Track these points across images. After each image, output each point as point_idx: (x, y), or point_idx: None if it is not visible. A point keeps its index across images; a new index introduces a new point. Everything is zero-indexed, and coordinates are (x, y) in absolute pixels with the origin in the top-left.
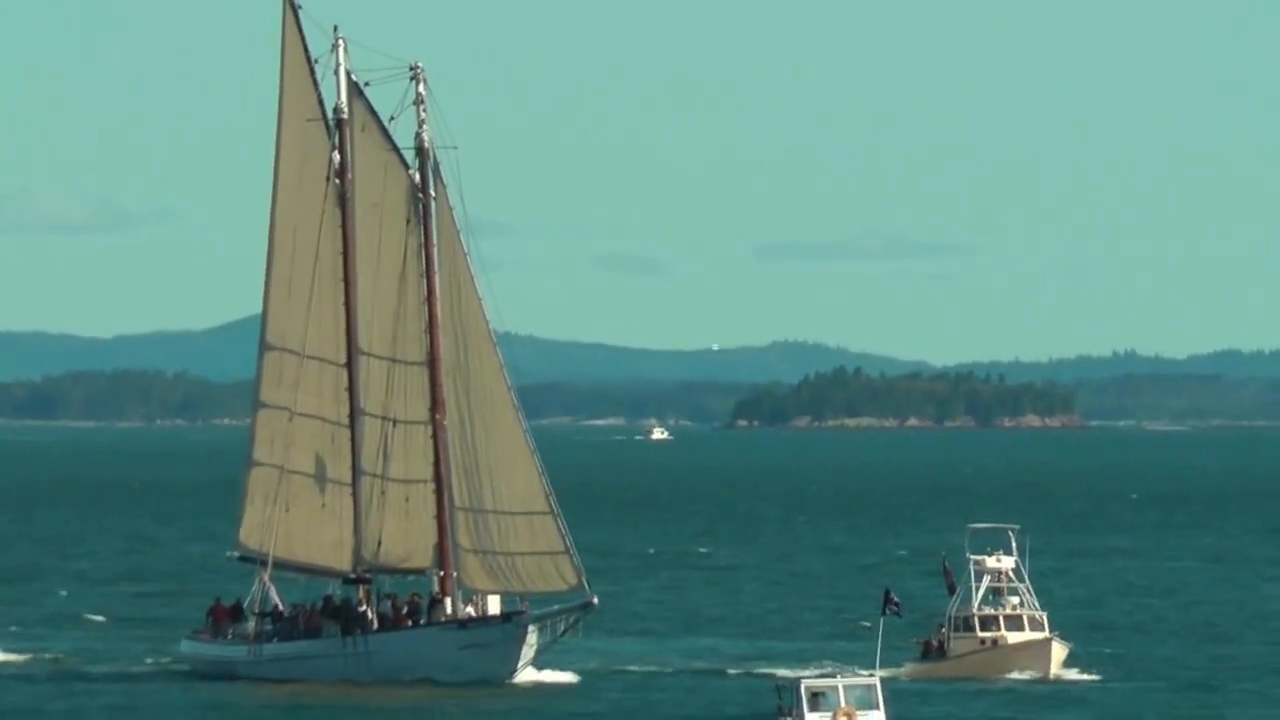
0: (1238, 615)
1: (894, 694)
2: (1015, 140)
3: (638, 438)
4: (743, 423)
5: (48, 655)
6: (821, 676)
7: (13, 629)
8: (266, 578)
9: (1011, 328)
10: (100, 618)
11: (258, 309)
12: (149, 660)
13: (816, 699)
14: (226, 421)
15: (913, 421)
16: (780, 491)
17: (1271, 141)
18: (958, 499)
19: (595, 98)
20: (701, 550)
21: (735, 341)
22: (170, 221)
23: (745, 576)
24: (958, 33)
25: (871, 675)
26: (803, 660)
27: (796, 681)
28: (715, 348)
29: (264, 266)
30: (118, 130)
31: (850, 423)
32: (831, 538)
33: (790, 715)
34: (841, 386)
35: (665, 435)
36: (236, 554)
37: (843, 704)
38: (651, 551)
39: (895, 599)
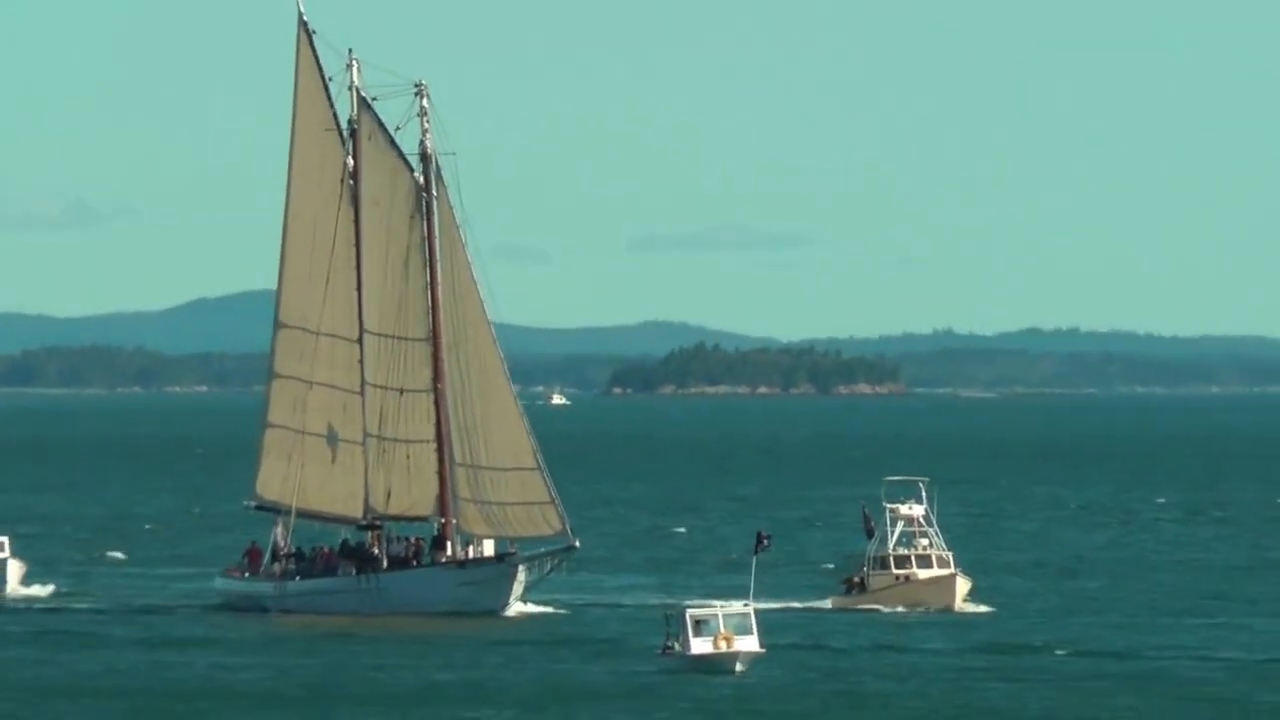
0: (1101, 556)
1: (815, 622)
2: (852, 145)
3: (539, 403)
4: (617, 390)
5: (83, 590)
6: (703, 607)
7: (46, 565)
8: (281, 525)
9: (846, 308)
10: (121, 555)
11: (206, 293)
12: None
13: (700, 626)
14: (176, 389)
15: (762, 389)
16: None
17: (1073, 141)
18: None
19: (527, 112)
20: (625, 498)
21: (611, 320)
22: (132, 218)
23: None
24: (797, 48)
25: (746, 605)
26: (706, 595)
27: (681, 611)
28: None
29: (271, 257)
30: (89, 136)
31: (709, 390)
32: (741, 488)
33: (678, 641)
34: (701, 359)
35: (564, 401)
36: (254, 504)
37: (722, 630)
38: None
39: (766, 535)
